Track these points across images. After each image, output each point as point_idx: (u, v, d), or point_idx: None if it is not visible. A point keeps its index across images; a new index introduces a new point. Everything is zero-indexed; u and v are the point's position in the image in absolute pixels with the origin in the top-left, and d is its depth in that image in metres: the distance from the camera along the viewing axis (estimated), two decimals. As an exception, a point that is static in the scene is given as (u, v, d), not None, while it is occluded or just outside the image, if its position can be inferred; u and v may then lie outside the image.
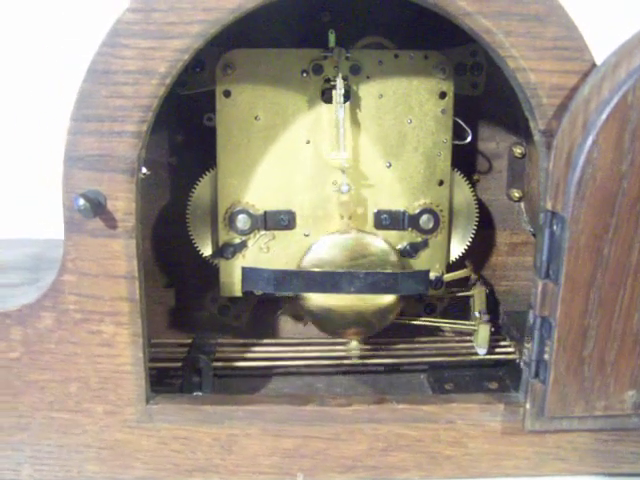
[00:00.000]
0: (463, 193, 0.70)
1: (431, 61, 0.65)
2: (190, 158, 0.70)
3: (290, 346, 0.72)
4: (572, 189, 0.53)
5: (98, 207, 0.54)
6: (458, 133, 0.68)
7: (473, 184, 0.72)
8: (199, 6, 0.52)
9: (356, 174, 0.67)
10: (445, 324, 0.74)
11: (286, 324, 0.75)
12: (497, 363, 0.72)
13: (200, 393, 0.65)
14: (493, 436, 0.61)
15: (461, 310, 0.76)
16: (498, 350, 0.72)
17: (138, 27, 0.52)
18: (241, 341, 0.73)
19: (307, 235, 0.67)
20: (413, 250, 0.68)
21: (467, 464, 0.62)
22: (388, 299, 0.67)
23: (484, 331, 0.70)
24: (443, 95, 0.66)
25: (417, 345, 0.74)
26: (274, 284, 0.65)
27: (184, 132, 0.70)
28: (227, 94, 0.65)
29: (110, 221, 0.55)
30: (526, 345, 0.59)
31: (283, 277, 0.64)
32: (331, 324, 0.68)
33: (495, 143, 0.73)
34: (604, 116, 0.51)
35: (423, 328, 0.75)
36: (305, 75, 0.65)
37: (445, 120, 0.66)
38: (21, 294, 0.61)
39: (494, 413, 0.61)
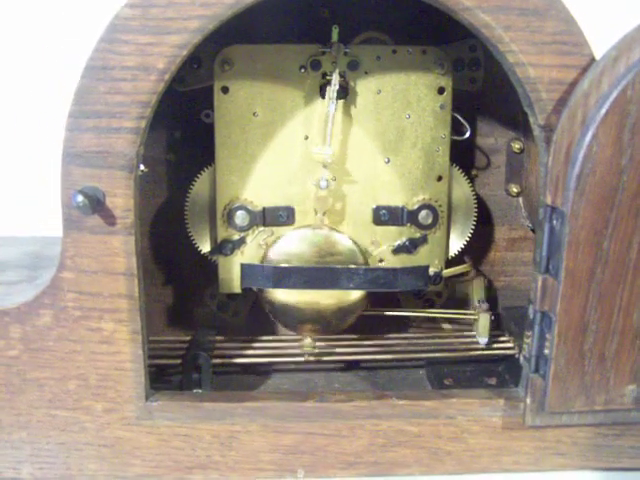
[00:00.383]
0: (462, 188, 0.70)
1: (429, 56, 0.65)
2: (188, 154, 0.70)
3: (289, 342, 0.72)
4: (572, 184, 0.53)
5: (97, 204, 0.54)
6: (457, 128, 0.68)
7: (472, 179, 0.72)
8: (197, 1, 0.52)
9: (353, 170, 0.66)
10: (445, 314, 0.74)
11: (285, 321, 0.75)
12: (496, 358, 0.72)
13: (200, 390, 0.65)
14: (493, 431, 0.61)
15: (459, 304, 0.75)
16: (497, 345, 0.72)
17: (136, 23, 0.52)
18: (240, 338, 0.73)
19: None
20: (412, 246, 0.68)
21: (468, 459, 0.62)
22: (351, 298, 0.67)
23: (484, 320, 0.70)
24: (441, 90, 0.66)
25: (416, 341, 0.74)
26: (273, 280, 0.64)
27: (182, 128, 0.70)
28: (225, 90, 0.65)
29: (109, 218, 0.55)
30: (526, 340, 0.59)
31: (282, 273, 0.64)
32: (288, 318, 0.68)
33: (493, 138, 0.73)
34: (603, 111, 0.51)
35: (422, 323, 0.75)
36: (303, 71, 0.65)
37: (444, 115, 0.66)
38: (20, 292, 0.61)
39: (494, 408, 0.61)
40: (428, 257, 0.69)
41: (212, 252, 0.69)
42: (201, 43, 0.53)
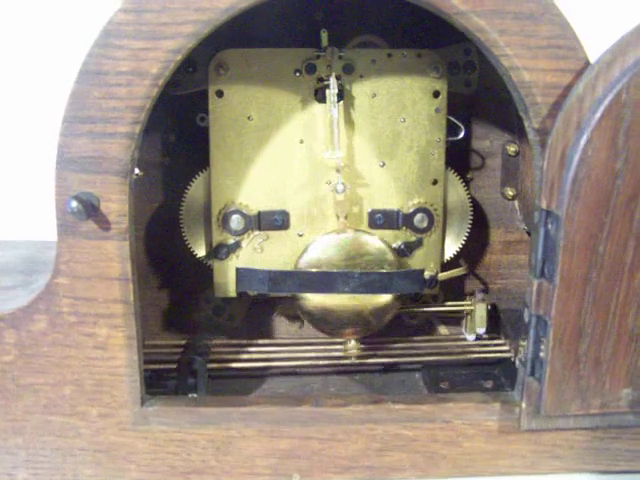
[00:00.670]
0: (457, 192, 0.70)
1: (424, 60, 0.65)
2: (183, 158, 0.70)
3: (285, 346, 0.72)
4: (567, 188, 0.53)
5: (91, 209, 0.54)
6: (452, 131, 0.68)
7: (467, 182, 0.72)
8: (191, 6, 0.52)
9: (350, 173, 0.66)
10: (440, 308, 0.74)
11: (281, 324, 0.75)
12: (492, 361, 0.72)
13: (195, 395, 0.65)
14: (489, 435, 0.61)
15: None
16: (493, 348, 0.72)
17: (130, 28, 0.52)
18: (236, 342, 0.73)
19: (301, 235, 0.67)
20: (407, 249, 0.68)
21: (464, 463, 0.62)
22: (386, 297, 0.67)
23: (481, 310, 0.70)
24: (437, 94, 0.66)
25: (412, 344, 0.74)
26: (268, 284, 0.64)
27: (177, 132, 0.70)
28: (220, 94, 0.65)
29: (103, 223, 0.55)
30: (521, 344, 0.59)
31: (277, 277, 0.64)
32: (328, 324, 0.68)
33: (489, 141, 0.73)
34: (598, 115, 0.51)
35: (418, 327, 0.75)
36: (298, 75, 0.65)
37: (439, 119, 0.66)
38: (15, 297, 0.61)
39: (490, 412, 0.61)
40: (424, 260, 0.69)
41: (207, 256, 0.68)
42: (196, 47, 0.53)
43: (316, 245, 0.66)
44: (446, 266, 0.71)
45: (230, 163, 0.66)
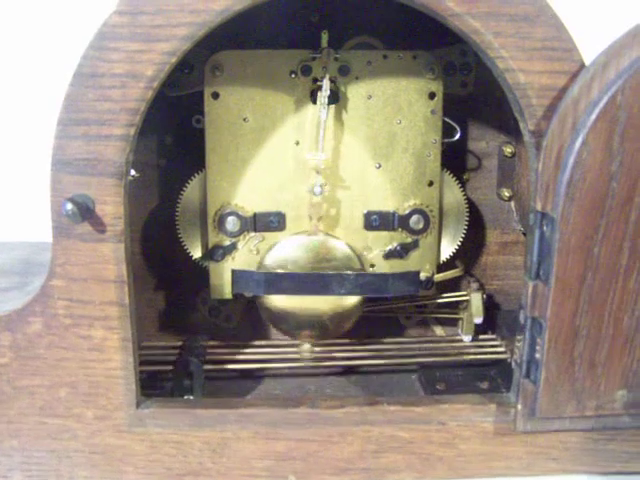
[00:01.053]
0: (453, 193, 0.70)
1: (420, 61, 0.65)
2: (179, 160, 0.70)
3: (281, 347, 0.72)
4: (562, 190, 0.53)
5: (86, 211, 0.54)
6: (448, 133, 0.68)
7: (463, 184, 0.72)
8: (186, 8, 0.52)
9: (344, 175, 0.66)
10: (437, 298, 0.74)
11: (277, 326, 0.75)
12: (488, 362, 0.72)
13: (191, 396, 0.65)
14: (485, 437, 0.61)
15: (452, 305, 0.76)
16: (489, 349, 0.72)
17: (125, 30, 0.52)
18: (232, 343, 0.73)
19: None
20: (403, 251, 0.68)
21: (459, 465, 0.62)
22: (346, 303, 0.67)
23: (477, 299, 0.70)
24: (432, 95, 0.66)
25: (408, 345, 0.74)
26: (264, 286, 0.64)
27: (173, 134, 0.70)
28: (216, 96, 0.64)
29: (99, 225, 0.55)
30: (517, 345, 0.59)
31: (273, 279, 0.64)
32: (286, 325, 0.68)
33: (485, 142, 0.73)
34: (593, 117, 0.51)
35: (414, 328, 0.75)
36: (294, 76, 0.64)
37: (435, 120, 0.66)
38: (10, 299, 0.61)
39: (486, 414, 0.61)
40: (419, 262, 0.69)
41: (203, 258, 0.68)
42: (192, 49, 0.53)
43: (284, 244, 0.66)
44: (442, 267, 0.71)
45: (226, 164, 0.66)
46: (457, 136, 0.69)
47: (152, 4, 0.52)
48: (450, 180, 0.69)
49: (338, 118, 0.65)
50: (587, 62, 0.53)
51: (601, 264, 0.54)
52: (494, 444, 0.61)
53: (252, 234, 0.67)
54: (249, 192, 0.66)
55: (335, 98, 0.64)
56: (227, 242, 0.67)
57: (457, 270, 0.72)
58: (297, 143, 0.66)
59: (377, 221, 0.67)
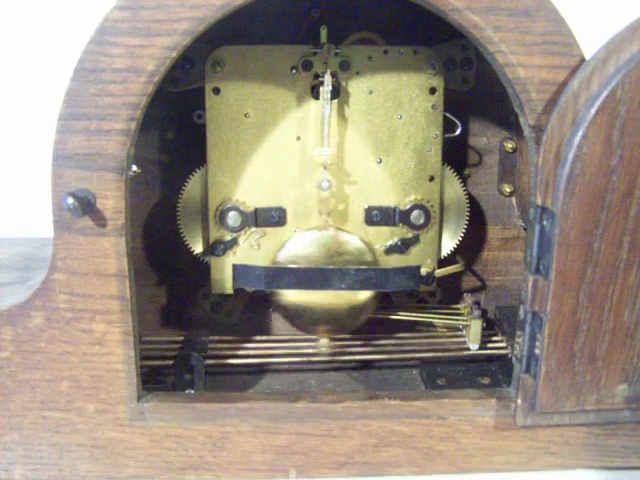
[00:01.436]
0: (454, 188, 0.70)
1: (421, 57, 0.65)
2: (181, 155, 0.70)
3: (282, 342, 0.72)
4: (562, 184, 0.53)
5: (87, 206, 0.54)
6: (449, 128, 0.68)
7: (464, 179, 0.72)
8: (187, 3, 0.52)
9: (341, 171, 0.66)
10: (437, 319, 0.74)
11: (278, 321, 0.75)
12: (489, 358, 0.72)
13: (192, 391, 0.65)
14: (485, 431, 0.61)
15: (453, 305, 0.76)
16: (490, 345, 0.72)
17: (126, 25, 0.52)
18: (233, 338, 0.73)
19: (297, 232, 0.67)
20: (404, 246, 0.68)
21: (459, 459, 0.62)
22: (361, 297, 0.67)
23: (476, 326, 0.70)
24: (433, 90, 0.66)
25: (409, 341, 0.74)
26: (265, 281, 0.65)
27: (174, 129, 0.70)
28: (217, 91, 0.65)
29: (100, 220, 0.55)
30: (517, 340, 0.59)
31: (274, 274, 0.64)
32: (302, 321, 0.68)
33: (486, 138, 0.73)
34: (593, 111, 0.51)
35: (415, 323, 0.75)
36: (294, 72, 0.65)
37: (435, 115, 0.66)
38: (11, 293, 0.61)
39: (486, 408, 0.61)
40: (420, 257, 0.69)
41: (204, 253, 0.69)
42: (193, 44, 0.53)
43: (295, 240, 0.66)
44: (443, 263, 0.71)
45: (227, 160, 0.66)
46: (458, 131, 0.69)
47: (153, -1, 0.52)
48: (451, 175, 0.69)
49: (339, 113, 0.65)
50: (587, 56, 0.53)
51: (601, 258, 0.54)
52: (494, 438, 0.61)
53: (253, 229, 0.67)
54: (250, 187, 0.66)
55: (336, 93, 0.64)
56: (228, 237, 0.67)
57: (458, 265, 0.72)
58: (298, 138, 0.66)
59: (378, 216, 0.67)
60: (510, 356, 0.69)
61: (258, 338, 0.73)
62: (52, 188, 0.55)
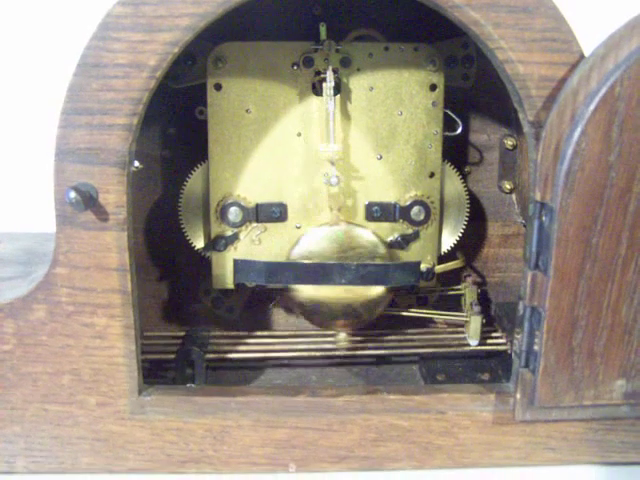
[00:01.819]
0: (454, 185, 0.70)
1: (421, 53, 0.65)
2: (182, 151, 0.71)
3: (283, 338, 0.73)
4: (561, 180, 0.53)
5: (89, 200, 0.55)
6: (449, 125, 0.69)
7: (464, 176, 0.72)
8: (188, -1, 0.52)
9: (347, 166, 0.67)
10: (437, 315, 0.74)
11: (279, 316, 0.76)
12: (489, 354, 0.73)
13: (193, 385, 0.65)
14: (484, 426, 0.61)
15: (453, 301, 0.76)
16: (490, 341, 0.73)
17: (128, 20, 0.52)
18: (234, 333, 0.73)
19: (299, 227, 0.68)
20: (404, 242, 0.68)
21: (458, 454, 0.62)
22: (377, 291, 0.67)
23: (475, 323, 0.71)
24: (433, 87, 0.66)
25: (409, 336, 0.74)
26: (266, 276, 0.65)
27: (176, 125, 0.71)
28: (218, 87, 0.65)
29: (102, 214, 0.56)
30: (516, 335, 0.60)
31: (275, 269, 0.65)
32: (319, 316, 0.68)
33: (486, 135, 0.73)
34: (592, 107, 0.52)
35: (415, 319, 0.76)
36: (296, 68, 0.65)
37: (436, 112, 0.67)
38: (14, 287, 0.62)
39: (485, 403, 0.61)
40: (420, 253, 0.69)
41: (205, 248, 0.69)
42: (195, 40, 0.54)
43: (309, 237, 0.66)
44: (443, 259, 0.71)
45: (228, 156, 0.66)
46: (459, 130, 0.69)
47: (155, -5, 0.52)
48: (451, 172, 0.70)
49: (340, 109, 0.66)
50: (586, 53, 0.53)
51: (600, 254, 0.55)
52: (493, 433, 0.62)
53: (254, 224, 0.67)
54: (251, 183, 0.67)
55: (337, 89, 0.65)
56: (229, 232, 0.68)
57: (458, 261, 0.72)
58: (299, 134, 0.66)
59: (378, 212, 0.68)
60: (510, 352, 0.70)
61: (259, 333, 0.74)
62: (54, 182, 0.55)
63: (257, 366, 0.72)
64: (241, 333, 0.73)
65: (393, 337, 0.74)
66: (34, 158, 0.94)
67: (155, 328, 0.74)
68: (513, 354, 0.61)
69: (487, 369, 0.71)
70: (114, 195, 0.55)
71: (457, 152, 0.72)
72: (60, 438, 0.61)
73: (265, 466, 0.62)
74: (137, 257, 0.59)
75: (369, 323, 0.70)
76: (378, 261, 0.66)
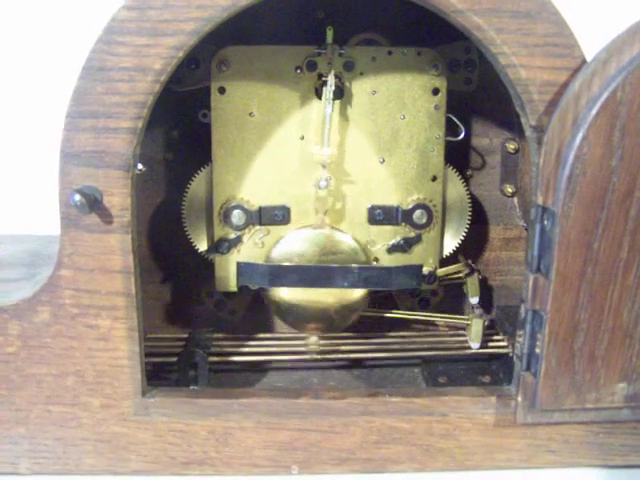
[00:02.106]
0: (456, 188, 0.70)
1: (424, 58, 0.66)
2: (186, 154, 0.71)
3: (285, 340, 0.73)
4: (562, 184, 0.53)
5: (94, 203, 0.55)
6: (451, 129, 0.69)
7: (466, 179, 0.72)
8: (193, 4, 0.52)
9: (349, 170, 0.67)
10: (439, 318, 0.75)
11: (281, 319, 0.76)
12: (490, 357, 0.73)
13: (196, 387, 0.66)
14: (485, 429, 0.62)
15: (455, 303, 0.76)
16: (491, 344, 0.73)
17: (133, 24, 0.53)
18: (237, 335, 0.74)
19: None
20: (407, 245, 0.69)
21: (460, 456, 0.62)
22: (352, 296, 0.68)
23: (477, 325, 0.71)
24: (436, 91, 0.66)
25: (411, 339, 0.74)
26: (269, 279, 0.65)
27: (180, 128, 0.71)
28: (222, 91, 0.65)
29: (106, 217, 0.56)
30: (518, 338, 0.60)
31: (278, 272, 0.65)
32: (292, 317, 0.69)
33: (488, 139, 0.74)
34: (594, 112, 0.52)
35: (417, 322, 0.76)
36: (299, 72, 0.65)
37: (438, 116, 0.67)
38: (18, 289, 0.62)
39: (486, 406, 0.61)
40: (422, 256, 0.69)
41: (209, 250, 0.69)
42: (199, 44, 0.54)
43: (290, 237, 0.67)
44: (445, 262, 0.72)
45: (232, 159, 0.66)
46: (461, 135, 0.69)
47: (160, -1, 0.53)
48: (453, 175, 0.70)
49: (343, 113, 0.66)
50: (588, 58, 0.54)
51: (601, 258, 0.55)
52: (494, 436, 0.62)
53: (257, 227, 0.68)
54: (254, 186, 0.67)
55: (340, 93, 0.65)
56: (232, 235, 0.68)
57: (460, 265, 0.72)
58: (302, 138, 0.66)
59: (381, 215, 0.68)
60: (511, 355, 0.70)
61: (261, 336, 0.74)
62: (59, 185, 0.56)
63: (259, 368, 0.72)
64: (243, 335, 0.74)
65: (395, 340, 0.74)
66: (39, 161, 0.94)
67: (158, 330, 0.74)
68: (515, 357, 0.61)
69: (489, 372, 0.71)
70: (118, 198, 0.56)
71: (459, 156, 0.72)
72: (64, 439, 0.61)
73: (267, 468, 0.62)
74: (140, 259, 0.59)
75: (341, 329, 0.71)
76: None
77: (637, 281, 0.56)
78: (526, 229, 0.74)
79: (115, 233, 0.56)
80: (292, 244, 0.67)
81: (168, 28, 0.53)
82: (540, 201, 0.55)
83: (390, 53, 0.66)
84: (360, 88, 0.66)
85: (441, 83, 0.66)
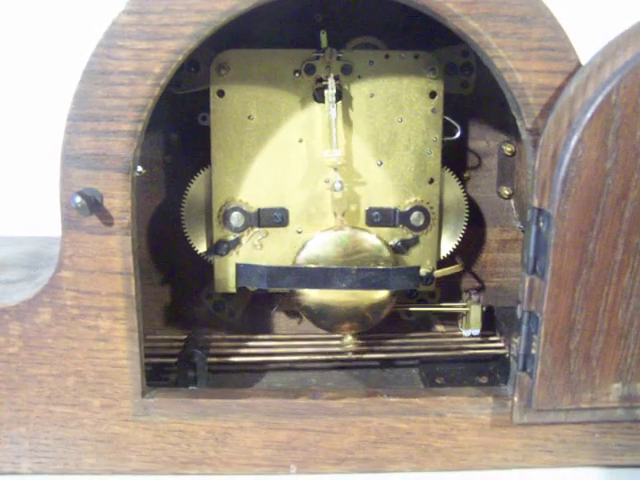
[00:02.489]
0: (453, 191, 0.71)
1: (421, 61, 0.66)
2: (185, 156, 0.71)
3: (284, 341, 0.73)
4: (558, 187, 0.54)
5: (94, 205, 0.56)
6: (448, 130, 0.69)
7: (463, 182, 0.73)
8: (193, 8, 0.53)
9: (348, 172, 0.68)
10: (436, 308, 0.75)
11: (280, 320, 0.76)
12: (487, 358, 0.73)
13: (195, 387, 0.66)
14: (482, 428, 0.62)
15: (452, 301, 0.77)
16: (488, 345, 0.74)
17: (133, 29, 0.53)
18: (236, 336, 0.74)
19: (300, 232, 0.68)
20: (404, 246, 0.69)
21: (457, 456, 0.63)
22: (382, 293, 0.68)
23: (475, 312, 0.71)
24: (433, 94, 0.67)
25: (409, 340, 0.75)
26: (267, 280, 0.66)
27: (179, 131, 0.72)
28: (221, 94, 0.66)
29: (106, 218, 0.56)
30: (514, 339, 0.60)
31: (276, 273, 0.66)
32: (326, 319, 0.69)
33: (485, 141, 0.74)
34: (589, 115, 0.53)
35: (415, 323, 0.76)
36: (297, 75, 0.66)
37: (435, 119, 0.68)
38: (19, 290, 0.62)
39: (483, 406, 0.62)
40: (420, 258, 0.70)
41: (208, 252, 0.70)
42: (198, 48, 0.55)
43: (314, 242, 0.67)
44: (442, 264, 0.72)
45: (231, 161, 0.67)
46: (457, 134, 0.70)
47: (160, 4, 0.53)
48: (450, 178, 0.71)
49: (341, 116, 0.66)
50: (583, 62, 0.54)
51: (596, 259, 0.55)
52: (491, 436, 0.62)
53: (256, 229, 0.68)
54: (253, 188, 0.68)
55: (338, 96, 0.66)
56: (231, 237, 0.68)
57: (457, 266, 0.73)
58: (300, 140, 0.67)
59: (378, 217, 0.69)
60: (508, 356, 0.70)
61: (260, 337, 0.75)
62: (60, 187, 0.56)
63: (258, 369, 0.73)
64: (242, 336, 0.74)
65: (393, 341, 0.74)
66: (40, 163, 0.95)
67: (158, 331, 0.75)
68: (511, 358, 0.62)
69: (485, 372, 0.72)
70: (119, 200, 0.56)
71: (456, 158, 0.73)
72: (64, 439, 0.62)
73: (266, 467, 0.63)
74: (140, 261, 0.60)
75: (375, 326, 0.71)
76: (383, 264, 0.67)
77: (632, 282, 0.56)
78: (522, 231, 0.75)
79: (115, 235, 0.57)
80: (316, 248, 0.67)
81: (168, 32, 0.53)
82: (536, 203, 0.55)
83: (387, 56, 0.66)
84: (358, 91, 0.67)
85: (438, 86, 0.67)
